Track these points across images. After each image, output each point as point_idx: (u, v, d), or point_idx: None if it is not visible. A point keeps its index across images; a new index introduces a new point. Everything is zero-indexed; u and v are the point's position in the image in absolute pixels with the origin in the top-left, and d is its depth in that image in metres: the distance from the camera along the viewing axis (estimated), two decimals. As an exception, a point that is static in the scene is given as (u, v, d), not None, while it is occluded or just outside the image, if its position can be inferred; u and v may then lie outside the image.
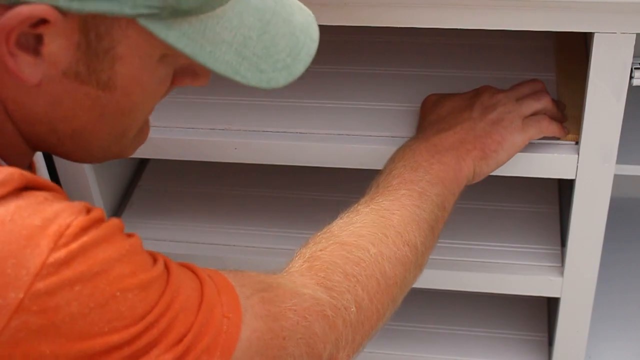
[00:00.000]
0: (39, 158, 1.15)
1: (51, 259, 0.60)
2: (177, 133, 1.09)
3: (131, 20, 0.65)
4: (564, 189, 1.21)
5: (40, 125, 0.71)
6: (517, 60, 1.15)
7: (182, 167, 1.32)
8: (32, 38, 0.65)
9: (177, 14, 0.65)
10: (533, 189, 1.23)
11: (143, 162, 1.36)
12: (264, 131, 1.08)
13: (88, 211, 0.65)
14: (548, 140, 1.00)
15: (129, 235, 0.67)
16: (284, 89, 1.14)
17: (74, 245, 0.61)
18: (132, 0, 0.64)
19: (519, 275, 1.11)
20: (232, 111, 1.12)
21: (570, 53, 1.12)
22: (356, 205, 0.89)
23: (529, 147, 0.98)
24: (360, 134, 1.06)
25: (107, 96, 0.70)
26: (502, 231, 1.17)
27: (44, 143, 0.74)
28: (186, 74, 0.75)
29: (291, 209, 1.24)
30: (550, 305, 1.29)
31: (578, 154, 0.98)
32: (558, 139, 1.00)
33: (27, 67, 0.66)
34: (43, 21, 0.63)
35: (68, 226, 0.62)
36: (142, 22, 0.65)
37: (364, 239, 0.84)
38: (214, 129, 1.09)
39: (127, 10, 0.64)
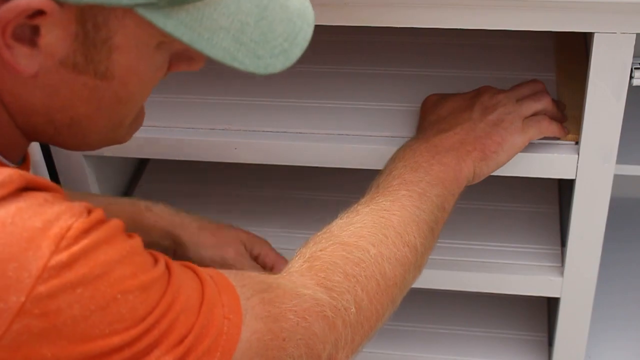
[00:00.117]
0: (38, 158, 1.15)
1: (52, 262, 0.60)
2: (177, 133, 1.09)
3: (128, 10, 0.65)
4: (564, 189, 1.21)
5: (37, 116, 0.71)
6: (517, 60, 1.15)
7: (182, 167, 1.32)
8: (28, 29, 0.64)
9: (175, 2, 0.65)
10: (533, 189, 1.23)
11: (143, 162, 1.36)
12: (264, 131, 1.08)
13: (89, 212, 0.65)
14: (548, 140, 1.00)
15: (130, 236, 0.67)
16: (284, 88, 1.14)
17: (76, 248, 0.61)
18: None
19: (519, 275, 1.11)
20: (232, 111, 1.12)
21: (570, 53, 1.12)
22: (356, 205, 0.89)
23: (529, 147, 0.98)
24: (360, 134, 1.06)
25: (105, 86, 0.69)
26: (502, 231, 1.17)
27: (41, 134, 0.74)
28: (182, 59, 0.75)
29: (291, 209, 1.24)
30: (550, 305, 1.29)
31: (578, 154, 0.98)
32: (558, 139, 1.00)
33: (24, 59, 0.65)
34: (40, 12, 0.63)
35: (69, 228, 0.62)
36: (140, 11, 0.65)
37: (364, 239, 0.84)
38: (214, 129, 1.09)
39: (125, 0, 0.64)
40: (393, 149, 0.98)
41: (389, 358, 1.26)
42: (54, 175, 1.17)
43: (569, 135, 1.00)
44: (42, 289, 0.60)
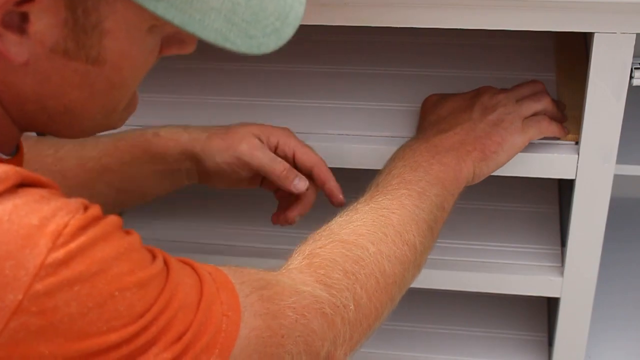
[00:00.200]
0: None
1: (50, 260, 0.60)
2: (177, 133, 1.09)
3: None
4: (564, 189, 1.20)
5: (29, 104, 0.70)
6: (517, 60, 1.15)
7: (182, 167, 1.32)
8: (17, 16, 0.64)
9: None
10: (533, 189, 1.23)
11: (143, 162, 1.36)
12: (263, 131, 1.07)
13: (85, 208, 0.64)
14: (548, 140, 1.00)
15: (127, 232, 0.67)
16: (284, 88, 1.14)
17: (73, 245, 0.61)
18: None
19: (519, 275, 1.11)
20: (232, 111, 1.12)
21: (570, 53, 1.13)
22: (356, 204, 0.89)
23: (529, 147, 0.98)
24: (360, 134, 1.06)
25: (97, 71, 0.69)
26: (502, 231, 1.17)
27: (34, 122, 0.73)
28: (173, 42, 0.74)
29: (291, 209, 1.24)
30: (550, 305, 1.29)
31: (578, 154, 0.98)
32: (558, 139, 1.00)
33: (14, 47, 0.65)
34: None
35: (66, 225, 0.61)
36: None
37: (363, 237, 0.84)
38: (214, 129, 1.09)
39: None
40: (393, 149, 0.98)
41: (389, 358, 1.26)
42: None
43: (569, 135, 1.00)
44: (39, 286, 0.60)
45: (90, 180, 1.00)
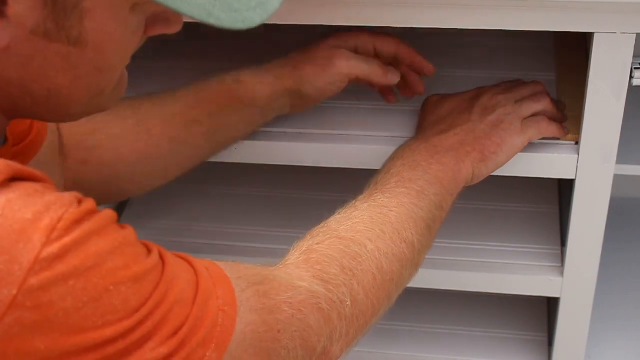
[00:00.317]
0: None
1: (44, 254, 0.60)
2: (177, 133, 1.09)
3: None
4: (564, 189, 1.20)
5: (12, 88, 0.69)
6: (517, 60, 1.15)
7: (182, 167, 1.32)
8: None
9: None
10: (533, 189, 1.23)
11: (143, 162, 1.36)
12: (263, 131, 1.07)
13: (79, 202, 0.64)
14: (548, 140, 1.00)
15: (122, 227, 0.67)
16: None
17: (67, 239, 0.61)
18: None
19: (519, 275, 1.11)
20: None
21: (570, 53, 1.12)
22: (354, 201, 0.89)
23: (529, 147, 0.98)
24: (360, 134, 1.06)
25: (79, 52, 0.68)
26: (502, 231, 1.17)
27: (18, 107, 0.72)
28: (158, 21, 0.73)
29: (291, 209, 1.24)
30: (550, 305, 1.29)
31: (578, 154, 0.98)
32: (558, 139, 1.00)
33: None
34: None
35: (60, 219, 0.61)
36: None
37: (361, 234, 0.84)
38: (214, 128, 1.09)
39: None
40: (393, 149, 0.98)
41: (388, 358, 1.26)
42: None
43: (569, 135, 1.00)
44: (33, 281, 0.59)
45: (178, 136, 1.00)
